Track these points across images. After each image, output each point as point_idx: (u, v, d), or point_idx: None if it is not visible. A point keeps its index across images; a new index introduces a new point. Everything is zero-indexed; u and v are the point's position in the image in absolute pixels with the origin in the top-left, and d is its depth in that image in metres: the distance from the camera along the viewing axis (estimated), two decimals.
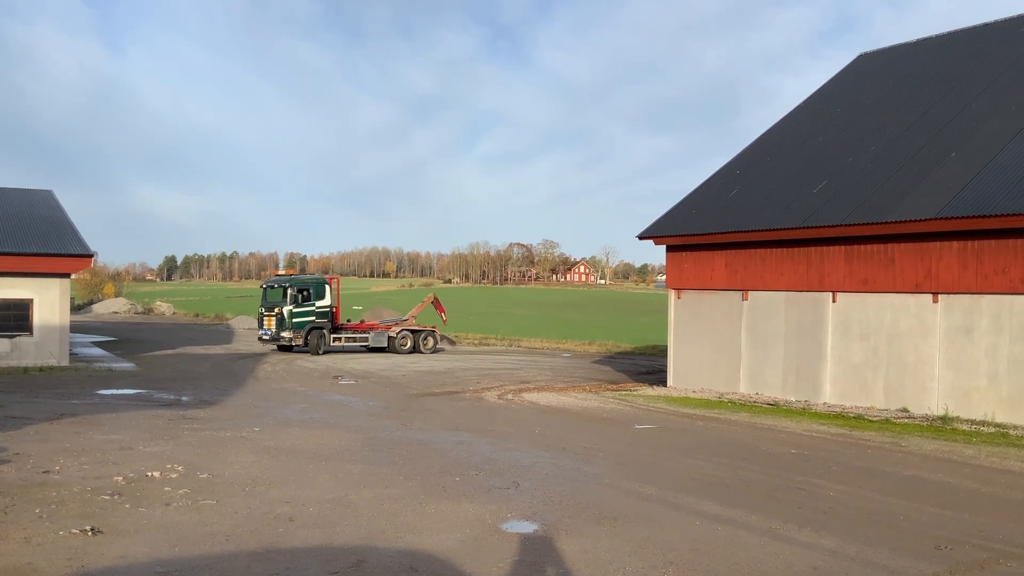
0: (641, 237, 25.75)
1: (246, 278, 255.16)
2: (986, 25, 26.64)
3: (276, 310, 36.72)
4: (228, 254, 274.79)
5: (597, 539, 8.74)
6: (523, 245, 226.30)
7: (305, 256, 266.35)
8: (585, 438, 15.65)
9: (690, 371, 24.63)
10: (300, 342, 36.21)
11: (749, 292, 23.09)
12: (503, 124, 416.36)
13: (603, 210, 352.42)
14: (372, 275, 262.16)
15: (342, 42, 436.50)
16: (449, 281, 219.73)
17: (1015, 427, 17.18)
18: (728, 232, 23.07)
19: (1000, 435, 16.55)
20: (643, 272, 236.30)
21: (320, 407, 19.69)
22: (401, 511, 9.73)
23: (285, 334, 36.28)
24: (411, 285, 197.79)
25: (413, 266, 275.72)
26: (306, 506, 9.85)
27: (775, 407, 20.67)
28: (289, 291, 36.75)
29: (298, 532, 8.78)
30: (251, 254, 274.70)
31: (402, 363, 33.14)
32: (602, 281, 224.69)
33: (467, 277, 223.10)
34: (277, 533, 8.72)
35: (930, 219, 18.54)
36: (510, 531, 9.00)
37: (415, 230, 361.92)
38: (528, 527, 9.17)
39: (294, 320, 36.51)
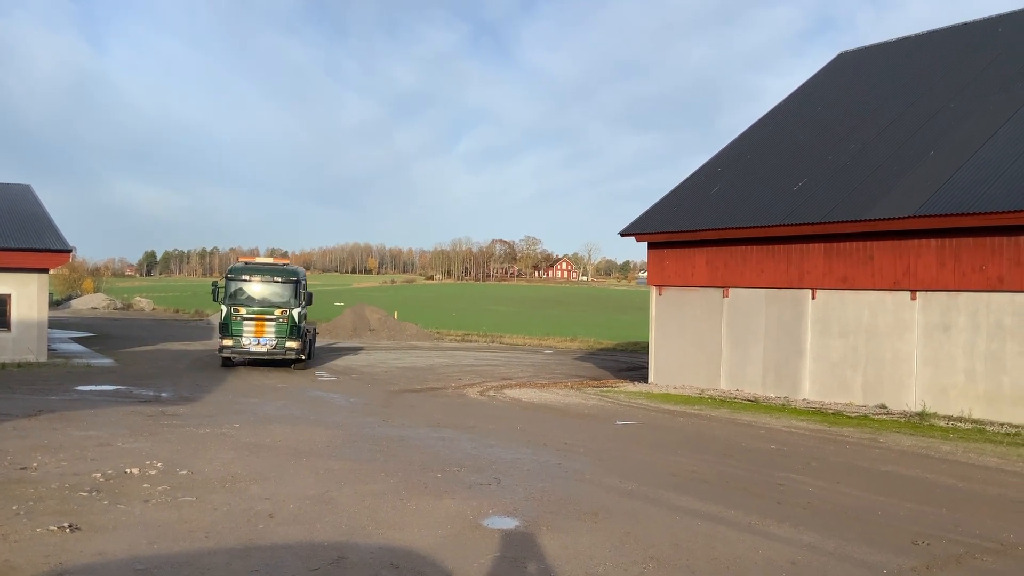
0: (623, 234, 25.81)
1: None
2: (965, 25, 26.86)
3: (280, 312, 27.32)
4: (208, 250, 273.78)
5: (578, 535, 8.76)
6: (505, 242, 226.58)
7: (286, 252, 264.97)
8: (566, 434, 15.67)
9: (671, 368, 24.72)
10: (304, 356, 28.21)
11: (730, 289, 23.20)
12: (487, 121, 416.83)
13: (586, 207, 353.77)
14: (354, 271, 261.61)
15: (325, 38, 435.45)
16: (431, 277, 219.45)
17: (992, 423, 17.36)
18: (709, 229, 23.16)
19: (977, 431, 16.71)
20: (625, 269, 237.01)
21: (301, 403, 19.62)
22: (382, 507, 9.72)
23: (292, 345, 27.27)
24: (393, 281, 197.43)
25: (395, 262, 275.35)
26: (286, 502, 9.81)
27: (755, 403, 20.78)
28: (291, 286, 27.77)
29: (278, 529, 8.75)
30: (232, 249, 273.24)
31: (384, 359, 33.06)
32: (584, 278, 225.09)
33: (449, 273, 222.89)
34: (257, 530, 8.68)
35: (908, 217, 18.69)
36: (491, 527, 9.01)
37: (398, 227, 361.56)
38: (509, 523, 9.18)
39: (303, 324, 28.16)
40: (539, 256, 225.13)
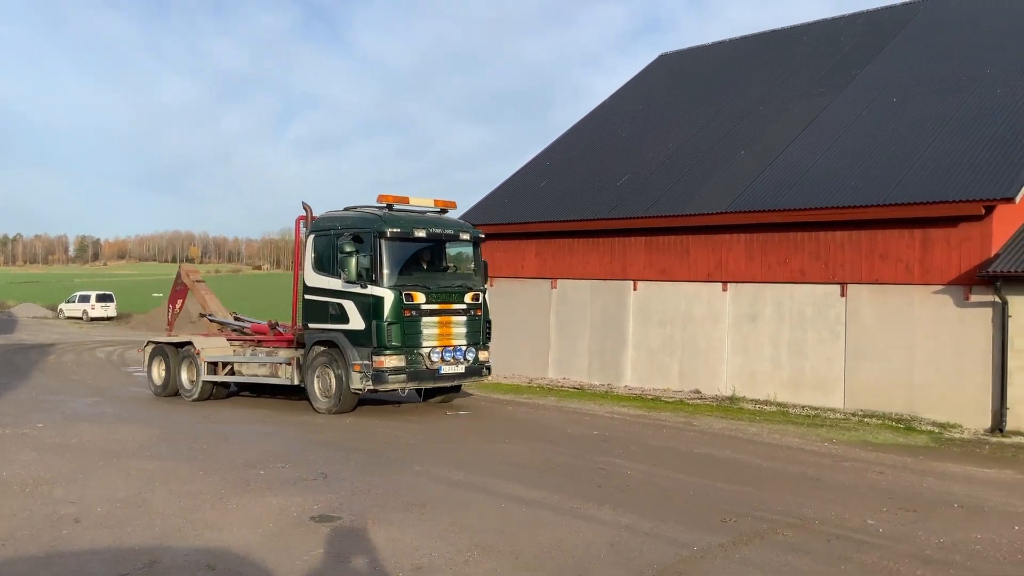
0: None
1: (31, 262, 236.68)
2: (775, 31, 28.65)
3: (472, 299, 16.63)
4: (11, 236, 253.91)
5: (404, 527, 8.75)
6: None
7: (99, 239, 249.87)
8: (396, 426, 15.60)
9: (503, 358, 25.03)
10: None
11: (558, 280, 23.78)
12: (319, 107, 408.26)
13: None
14: (174, 260, 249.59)
15: (144, 12, 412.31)
16: (259, 267, 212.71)
17: (794, 406, 18.66)
18: (538, 222, 23.64)
19: (781, 413, 17.93)
20: None
21: (114, 400, 18.56)
22: (200, 507, 9.35)
23: (485, 356, 17.00)
24: (218, 271, 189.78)
25: (220, 251, 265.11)
26: (94, 506, 9.27)
27: (581, 391, 21.42)
28: (474, 251, 17.47)
29: (85, 534, 8.25)
30: (37, 236, 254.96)
31: None
32: None
33: (278, 263, 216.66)
34: (61, 536, 8.16)
35: (720, 213, 19.75)
36: (316, 523, 8.85)
37: (225, 214, 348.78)
38: (335, 518, 9.05)
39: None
40: None
